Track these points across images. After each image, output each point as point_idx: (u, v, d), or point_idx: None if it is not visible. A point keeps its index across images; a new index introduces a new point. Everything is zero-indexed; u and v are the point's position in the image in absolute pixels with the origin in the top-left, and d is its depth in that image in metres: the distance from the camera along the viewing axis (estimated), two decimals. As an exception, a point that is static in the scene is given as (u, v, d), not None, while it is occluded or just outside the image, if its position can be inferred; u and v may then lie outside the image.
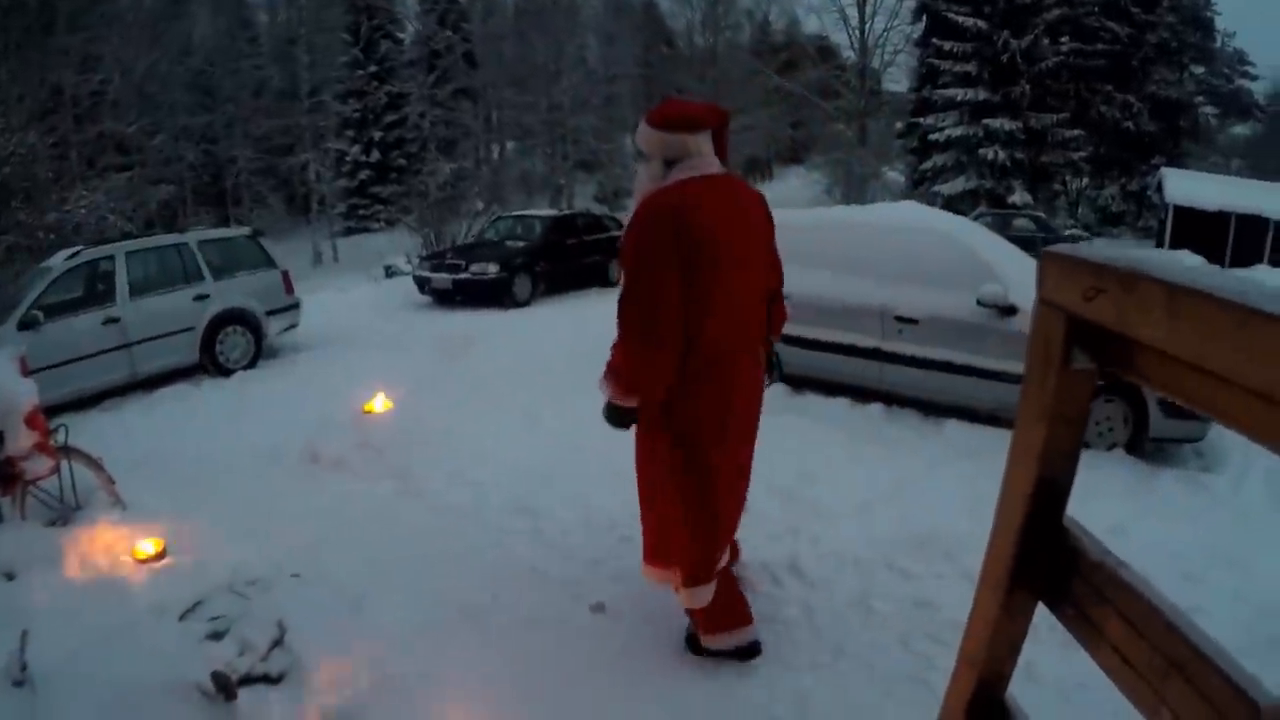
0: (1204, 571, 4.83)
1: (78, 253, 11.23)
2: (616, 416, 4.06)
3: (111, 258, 11.12)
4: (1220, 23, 42.75)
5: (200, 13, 43.09)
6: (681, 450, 3.97)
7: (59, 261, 11.06)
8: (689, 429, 3.94)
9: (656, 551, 4.31)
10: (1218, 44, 43.01)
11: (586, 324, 13.45)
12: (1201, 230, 27.76)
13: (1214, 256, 24.38)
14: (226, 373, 11.64)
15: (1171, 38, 38.57)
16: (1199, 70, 41.44)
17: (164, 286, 11.46)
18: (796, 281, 9.00)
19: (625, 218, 4.62)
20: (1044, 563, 1.52)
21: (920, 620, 4.50)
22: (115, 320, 10.75)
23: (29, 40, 33.33)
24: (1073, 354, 1.39)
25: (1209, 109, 41.93)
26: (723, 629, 4.21)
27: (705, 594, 4.11)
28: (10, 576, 4.82)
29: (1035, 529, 1.51)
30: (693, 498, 4.02)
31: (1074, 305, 1.35)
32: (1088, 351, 1.38)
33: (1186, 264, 1.28)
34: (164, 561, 5.26)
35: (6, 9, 35.15)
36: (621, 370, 3.89)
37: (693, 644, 4.35)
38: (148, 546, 5.30)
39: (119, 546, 5.39)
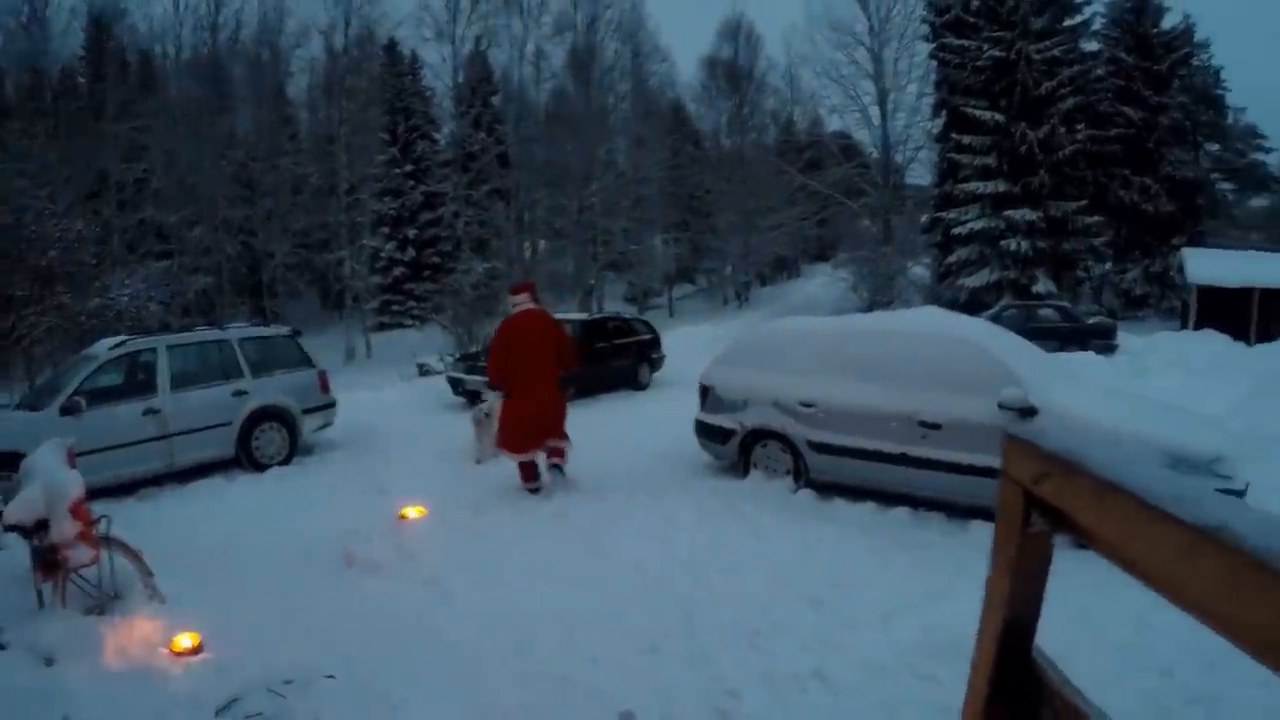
0: (1227, 659, 4.81)
1: (122, 342, 11.43)
2: (498, 390, 10.23)
3: (154, 350, 11.32)
4: (1230, 99, 43.13)
5: (243, 108, 43.90)
6: (512, 402, 9.79)
7: (103, 350, 11.26)
8: (514, 395, 9.77)
9: (498, 440, 10.15)
10: (1229, 120, 43.29)
11: (617, 426, 13.70)
12: (1226, 307, 28.28)
13: (1240, 332, 24.46)
14: (261, 468, 11.74)
15: (1184, 117, 39.12)
16: (1213, 148, 41.86)
17: (204, 381, 11.66)
18: (822, 389, 9.20)
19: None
20: (1015, 693, 1.69)
21: (945, 727, 4.55)
22: (155, 411, 10.93)
23: (79, 126, 34.22)
24: (1031, 519, 1.55)
25: (1225, 185, 42.49)
26: (525, 479, 9.93)
27: (518, 458, 9.85)
28: (50, 662, 4.91)
29: (1006, 664, 1.68)
30: (512, 420, 9.79)
31: (1028, 483, 1.52)
32: (1044, 517, 1.53)
33: (1126, 458, 1.40)
34: (200, 656, 5.36)
35: (58, 94, 36.09)
36: (492, 376, 10.13)
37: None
38: (185, 640, 5.41)
39: (156, 638, 5.48)
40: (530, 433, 9.71)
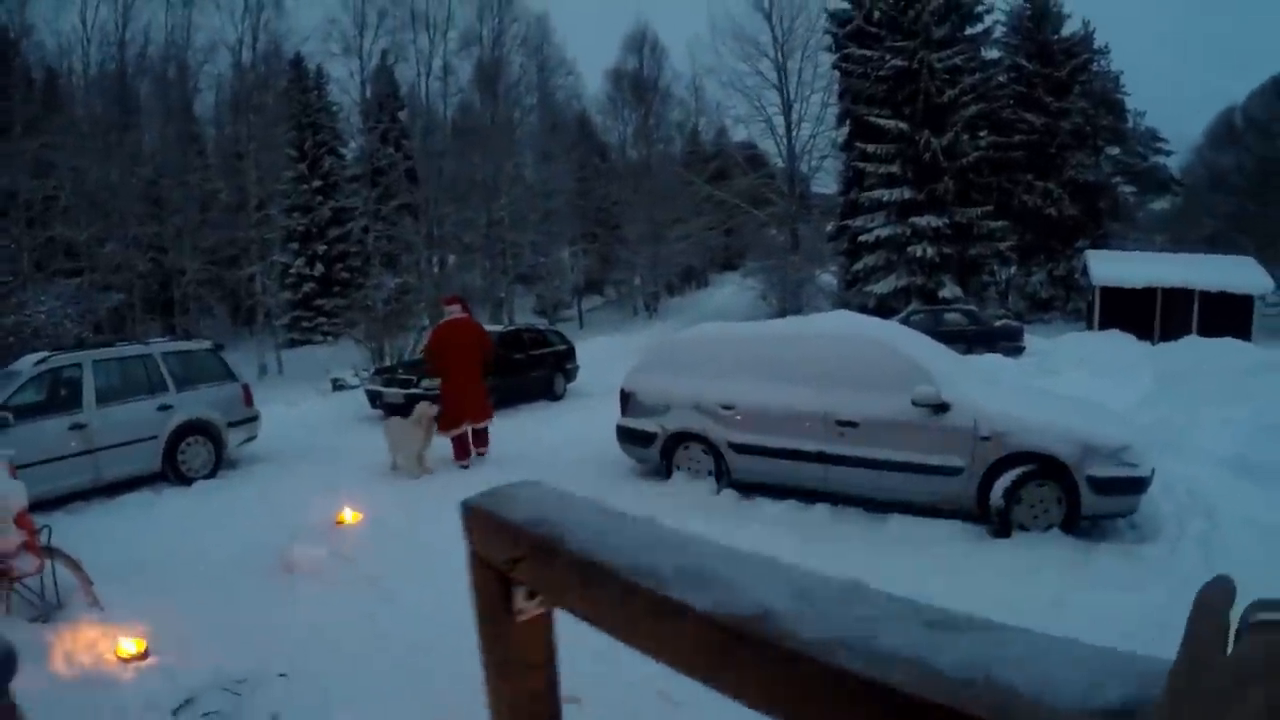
0: (1140, 632, 5.10)
1: (46, 358, 11.38)
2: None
3: (79, 365, 11.30)
4: (1130, 103, 43.94)
5: (151, 125, 43.02)
6: (446, 390, 12.24)
7: (27, 366, 11.21)
8: (447, 384, 12.27)
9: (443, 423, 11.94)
10: (1129, 124, 44.17)
11: (538, 435, 13.98)
12: (1130, 307, 29.02)
13: (1143, 331, 25.11)
14: (188, 481, 11.78)
15: (1085, 122, 39.94)
16: (1114, 151, 42.55)
17: (129, 395, 11.65)
18: (741, 392, 9.47)
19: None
20: None
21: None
22: (81, 426, 10.91)
23: (-16, 143, 33.29)
24: (515, 605, 1.29)
25: (1127, 188, 43.32)
26: (457, 456, 12.20)
27: (452, 433, 12.08)
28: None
29: None
30: (446, 406, 11.97)
31: (501, 567, 1.27)
32: (533, 597, 1.29)
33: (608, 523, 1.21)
34: (148, 660, 5.44)
35: (-39, 113, 35.02)
36: (429, 369, 13.46)
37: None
38: (130, 645, 5.49)
39: (102, 645, 5.56)
40: (460, 413, 12.08)
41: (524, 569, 1.22)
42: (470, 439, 12.39)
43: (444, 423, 11.98)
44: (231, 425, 12.58)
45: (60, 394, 11.27)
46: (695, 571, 0.97)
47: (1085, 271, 32.71)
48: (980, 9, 41.26)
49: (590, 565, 1.08)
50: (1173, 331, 26.16)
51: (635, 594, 1.00)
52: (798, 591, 0.90)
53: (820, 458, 8.91)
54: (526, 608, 1.28)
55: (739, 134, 53.14)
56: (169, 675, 5.24)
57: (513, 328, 22.11)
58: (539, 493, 1.34)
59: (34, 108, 36.82)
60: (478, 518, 1.32)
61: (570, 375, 20.51)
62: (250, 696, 4.97)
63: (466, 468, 12.04)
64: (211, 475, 12.15)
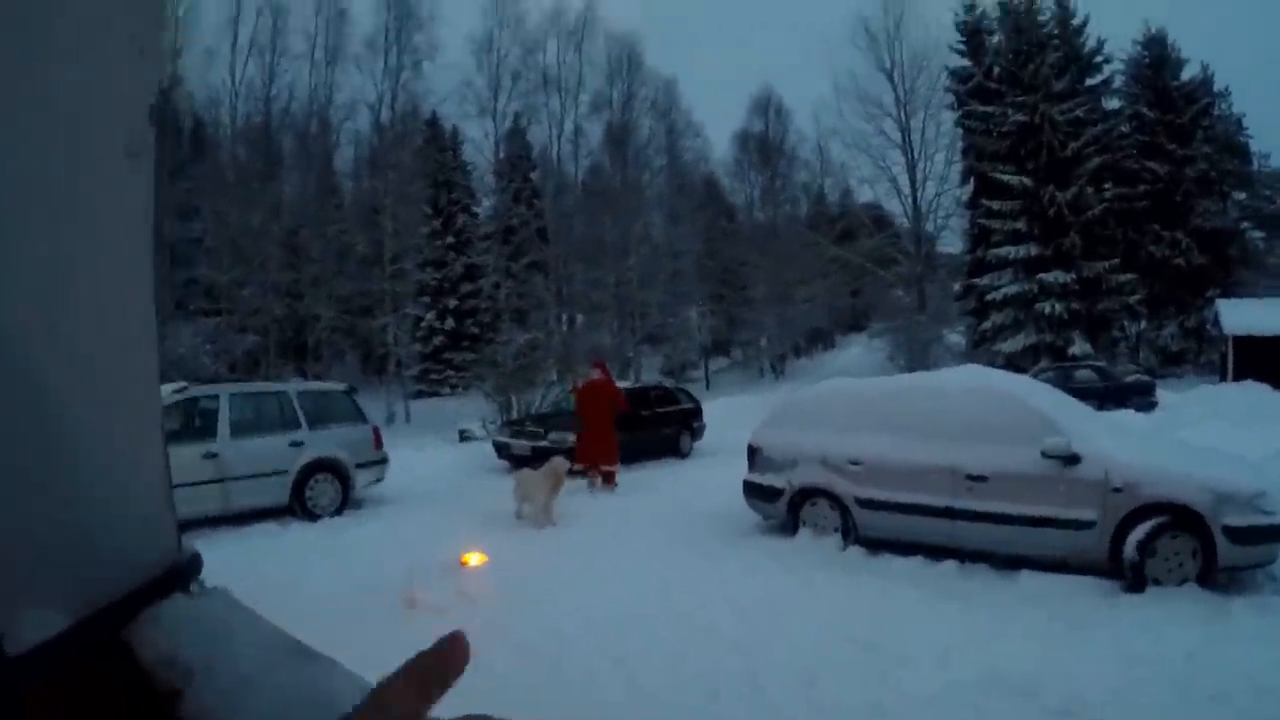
0: (1277, 687, 5.00)
1: (184, 388, 11.81)
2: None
3: (216, 397, 11.78)
4: (1255, 145, 43.01)
5: (291, 176, 44.41)
6: (583, 436, 15.08)
7: (166, 393, 11.38)
8: (585, 431, 15.09)
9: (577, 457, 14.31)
10: (1255, 167, 43.22)
11: (664, 490, 13.98)
12: (1265, 356, 27.73)
13: None
14: (314, 517, 12.07)
15: (1210, 168, 39.25)
16: (1241, 196, 41.73)
17: (263, 430, 12.08)
18: (870, 447, 9.37)
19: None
20: None
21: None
22: (214, 455, 11.28)
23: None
24: None
25: (1256, 233, 42.17)
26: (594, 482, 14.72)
27: (584, 467, 14.36)
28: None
29: None
30: (582, 446, 14.87)
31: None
32: None
33: None
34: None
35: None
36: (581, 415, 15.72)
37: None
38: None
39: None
40: (591, 455, 14.69)
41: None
42: (600, 477, 14.63)
43: (578, 459, 14.18)
44: (360, 466, 12.88)
45: (195, 423, 11.72)
46: None
47: (1216, 322, 32.06)
48: (1099, 59, 41.51)
49: None
50: (1312, 381, 24.95)
51: None
52: None
53: (948, 513, 8.72)
54: None
55: (864, 194, 52.98)
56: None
57: (640, 385, 22.27)
58: (203, 612, 0.85)
59: (182, 153, 38.50)
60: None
61: (697, 434, 20.39)
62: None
63: (594, 486, 14.50)
64: (338, 513, 12.44)
